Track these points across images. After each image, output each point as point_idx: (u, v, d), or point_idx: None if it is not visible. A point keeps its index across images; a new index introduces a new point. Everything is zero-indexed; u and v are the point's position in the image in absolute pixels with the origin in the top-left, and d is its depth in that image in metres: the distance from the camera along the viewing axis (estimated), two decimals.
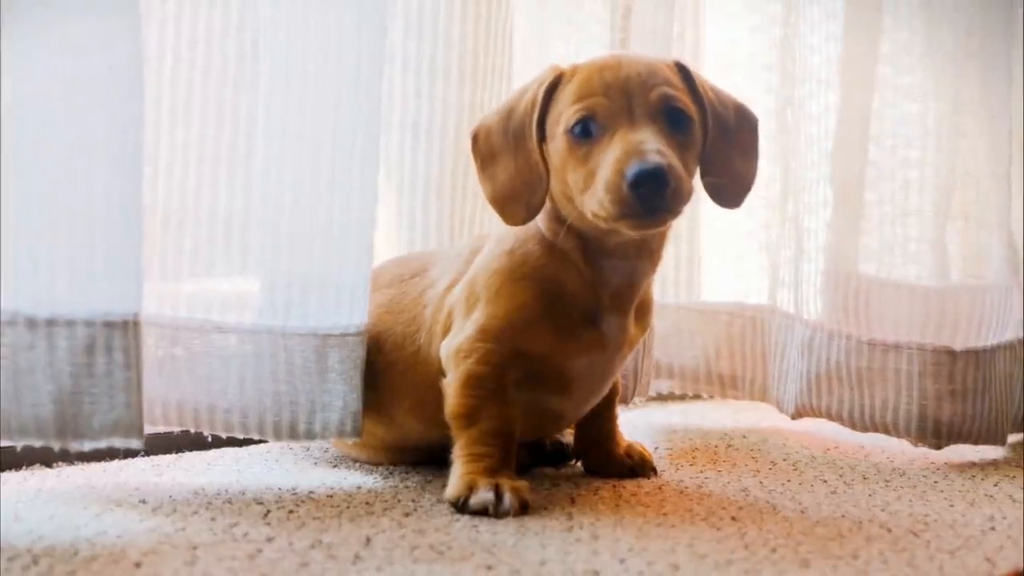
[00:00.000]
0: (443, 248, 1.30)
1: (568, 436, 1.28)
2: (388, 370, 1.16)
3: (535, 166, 1.07)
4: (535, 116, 1.07)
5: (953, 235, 1.46)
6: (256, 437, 1.15)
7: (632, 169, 0.97)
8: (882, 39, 1.44)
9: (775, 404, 1.51)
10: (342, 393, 1.13)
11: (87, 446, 0.99)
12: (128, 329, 1.00)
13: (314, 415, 1.13)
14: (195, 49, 1.13)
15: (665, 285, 1.56)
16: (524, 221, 1.08)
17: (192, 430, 1.14)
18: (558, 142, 1.05)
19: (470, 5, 1.35)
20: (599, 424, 1.22)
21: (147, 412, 1.12)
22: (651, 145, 0.99)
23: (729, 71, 1.59)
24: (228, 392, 1.12)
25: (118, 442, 0.99)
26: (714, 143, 1.08)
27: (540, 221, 1.10)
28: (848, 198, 1.44)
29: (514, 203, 1.08)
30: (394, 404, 1.16)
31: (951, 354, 1.37)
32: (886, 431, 1.39)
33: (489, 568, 0.87)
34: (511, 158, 1.08)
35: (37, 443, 0.98)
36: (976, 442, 1.38)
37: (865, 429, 1.40)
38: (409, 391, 1.15)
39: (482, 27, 1.36)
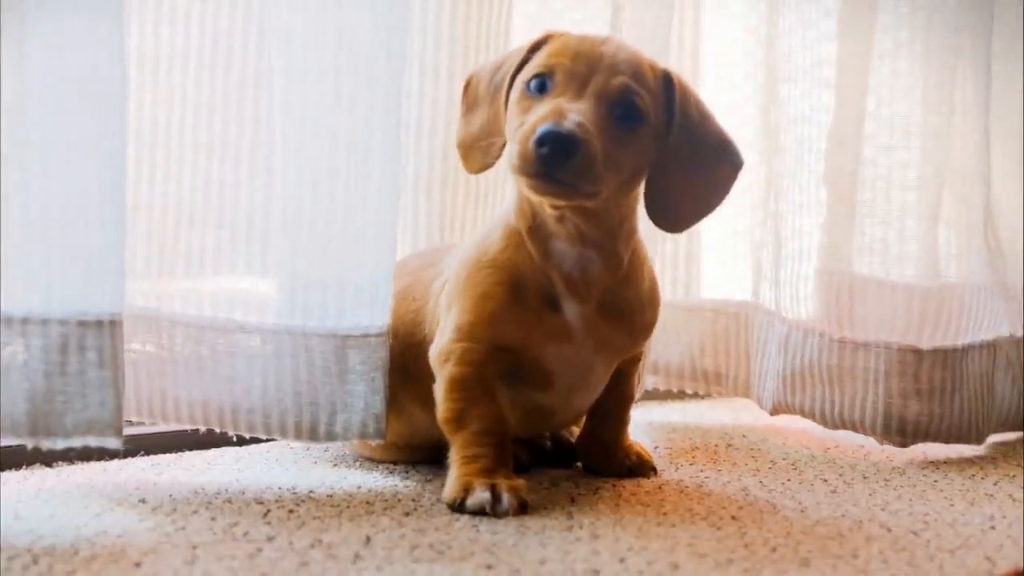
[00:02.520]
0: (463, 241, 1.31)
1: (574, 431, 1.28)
2: (400, 356, 1.16)
3: (499, 118, 1.09)
4: (514, 70, 1.08)
5: (933, 234, 1.45)
6: (279, 438, 1.15)
7: (543, 127, 0.97)
8: (875, 39, 1.44)
9: (756, 400, 1.51)
10: (363, 394, 1.13)
11: (60, 444, 0.99)
12: (103, 328, 0.99)
13: (335, 416, 1.13)
14: (217, 48, 1.14)
15: (663, 283, 1.56)
16: (479, 170, 1.12)
17: (217, 429, 1.15)
18: (515, 92, 1.06)
19: (460, 5, 1.35)
20: (610, 426, 1.21)
21: (173, 410, 1.14)
22: (574, 116, 0.99)
23: (729, 70, 1.59)
24: (251, 392, 1.13)
25: (93, 441, 0.99)
26: (676, 163, 1.07)
27: (512, 205, 1.11)
28: (839, 198, 1.44)
29: (475, 151, 1.11)
30: (404, 391, 1.17)
31: (917, 353, 1.37)
32: (854, 428, 1.40)
33: (489, 567, 0.87)
34: (487, 108, 1.10)
35: (11, 441, 0.98)
36: (947, 441, 1.38)
37: (835, 426, 1.41)
38: (417, 379, 1.15)
39: (473, 26, 1.36)
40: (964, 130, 1.45)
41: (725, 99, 1.58)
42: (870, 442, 1.44)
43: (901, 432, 1.37)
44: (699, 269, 1.61)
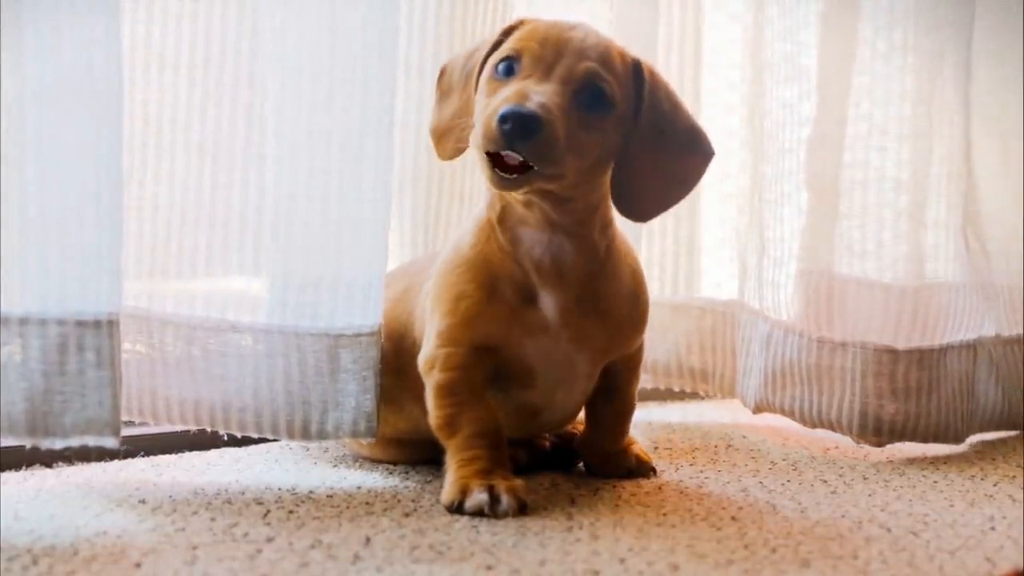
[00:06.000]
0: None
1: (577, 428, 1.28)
2: (397, 357, 1.16)
3: (471, 103, 1.08)
4: (484, 55, 1.08)
5: (913, 234, 1.45)
6: (271, 437, 1.15)
7: (506, 107, 0.97)
8: (858, 42, 1.44)
9: (740, 399, 1.52)
10: (354, 393, 1.13)
11: (58, 444, 0.99)
12: (101, 328, 0.99)
13: (326, 415, 1.14)
14: (209, 48, 1.14)
15: (652, 281, 1.56)
16: (452, 156, 1.11)
17: (208, 429, 1.15)
18: (484, 74, 1.06)
19: (445, 5, 1.35)
20: (611, 435, 1.21)
21: (165, 410, 1.14)
22: (537, 97, 0.99)
23: (728, 71, 1.59)
24: (243, 391, 1.13)
25: (91, 440, 0.99)
26: (643, 152, 1.06)
27: (485, 198, 1.11)
28: (820, 198, 1.44)
29: (447, 137, 1.11)
30: (403, 391, 1.17)
31: (893, 353, 1.37)
32: (831, 428, 1.40)
33: (489, 568, 0.87)
34: (459, 93, 1.10)
35: (9, 441, 0.99)
36: (924, 440, 1.39)
37: (814, 425, 1.41)
38: (414, 379, 1.15)
39: (458, 25, 1.36)
40: (944, 131, 1.45)
41: (724, 99, 1.59)
42: None
43: (877, 432, 1.38)
44: (691, 268, 1.61)
